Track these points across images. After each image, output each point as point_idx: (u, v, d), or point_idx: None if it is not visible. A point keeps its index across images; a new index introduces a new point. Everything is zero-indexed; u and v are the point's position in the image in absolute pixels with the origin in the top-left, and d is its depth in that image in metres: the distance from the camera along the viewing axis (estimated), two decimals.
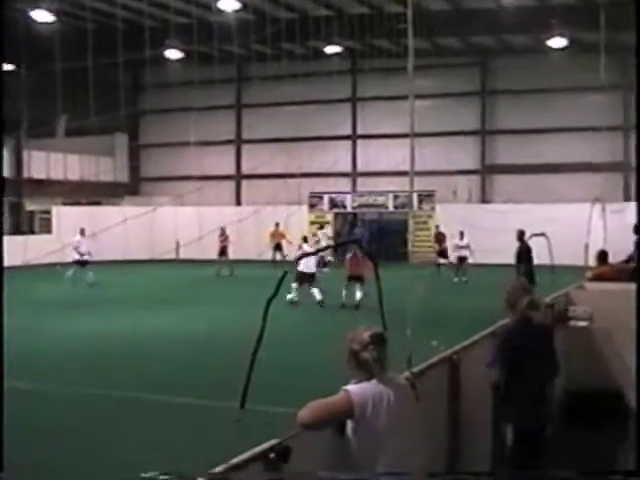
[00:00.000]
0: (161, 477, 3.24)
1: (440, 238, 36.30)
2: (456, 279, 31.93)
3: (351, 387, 4.80)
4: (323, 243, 36.87)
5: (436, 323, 15.87)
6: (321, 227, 35.70)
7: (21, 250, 30.74)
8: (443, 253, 35.10)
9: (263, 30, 33.42)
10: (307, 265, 24.03)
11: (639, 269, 6.55)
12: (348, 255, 24.46)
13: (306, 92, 45.03)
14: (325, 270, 31.60)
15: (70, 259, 30.78)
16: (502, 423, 6.99)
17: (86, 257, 30.81)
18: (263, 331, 4.19)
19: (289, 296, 23.55)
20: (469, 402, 7.07)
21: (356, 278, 23.52)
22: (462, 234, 33.03)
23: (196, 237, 32.48)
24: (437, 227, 38.39)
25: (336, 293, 23.93)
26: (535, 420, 6.80)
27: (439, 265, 34.04)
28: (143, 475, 3.23)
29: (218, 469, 3.86)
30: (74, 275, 30.35)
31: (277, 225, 39.74)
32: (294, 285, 24.04)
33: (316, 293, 24.41)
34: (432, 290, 20.60)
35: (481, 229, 34.50)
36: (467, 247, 32.71)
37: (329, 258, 35.84)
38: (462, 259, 32.73)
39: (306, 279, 24.21)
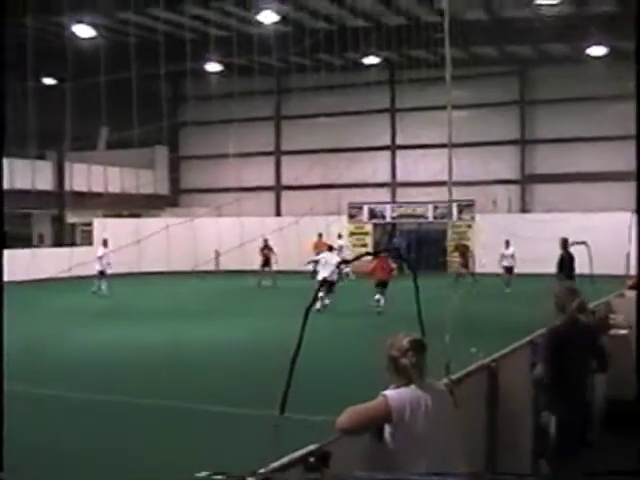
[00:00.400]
0: (214, 477, 3.33)
1: (463, 250, 36.48)
2: (507, 290, 31.56)
3: (389, 392, 4.85)
4: (347, 252, 36.92)
5: (475, 331, 15.83)
6: (339, 237, 35.39)
7: (64, 262, 31.16)
8: (465, 264, 35.48)
9: (302, 42, 33.56)
10: (330, 273, 24.96)
11: None
12: (374, 263, 25.48)
13: (345, 103, 45.16)
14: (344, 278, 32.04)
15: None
16: (545, 415, 7.06)
17: (106, 268, 31.56)
18: (302, 339, 4.25)
19: (318, 305, 23.83)
20: (507, 409, 7.09)
21: (383, 284, 24.94)
22: (508, 243, 32.74)
23: (236, 247, 32.60)
24: (461, 240, 38.62)
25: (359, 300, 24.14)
26: (579, 414, 6.85)
27: (459, 275, 33.41)
28: (197, 475, 3.32)
29: (259, 473, 3.92)
30: (99, 286, 31.31)
31: (320, 236, 39.69)
32: (321, 294, 24.36)
33: (327, 300, 25.35)
34: (471, 298, 20.61)
35: (521, 238, 34.26)
36: (513, 256, 32.38)
37: (347, 270, 35.92)
38: (509, 269, 32.39)
39: (327, 286, 24.94)
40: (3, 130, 5.21)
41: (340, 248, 36.71)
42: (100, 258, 31.30)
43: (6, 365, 12.55)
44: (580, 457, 6.81)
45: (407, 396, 4.81)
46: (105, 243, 31.85)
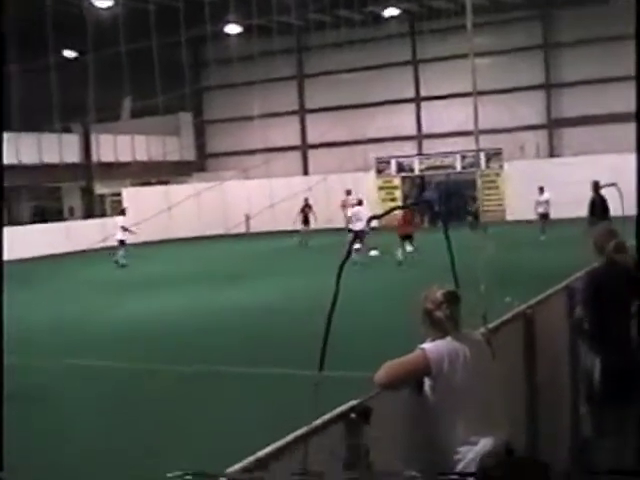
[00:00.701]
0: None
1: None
2: (543, 237, 30.97)
3: (426, 345, 4.86)
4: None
5: (510, 280, 15.83)
6: (359, 203, 34.49)
7: (98, 233, 31.37)
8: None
9: None
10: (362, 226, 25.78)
11: None
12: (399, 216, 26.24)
13: (366, 58, 44.92)
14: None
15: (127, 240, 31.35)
16: (589, 359, 7.03)
17: (126, 237, 31.14)
18: (337, 295, 4.25)
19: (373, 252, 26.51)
20: (546, 356, 7.08)
21: (406, 237, 25.90)
22: (542, 189, 32.27)
23: (266, 210, 32.65)
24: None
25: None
26: (624, 356, 6.81)
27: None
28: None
29: (301, 431, 3.95)
30: (125, 254, 30.88)
31: (348, 192, 39.32)
32: (357, 246, 24.67)
33: (373, 252, 27.20)
34: (503, 247, 20.56)
35: (551, 183, 34.00)
36: (548, 202, 31.93)
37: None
38: (544, 215, 31.94)
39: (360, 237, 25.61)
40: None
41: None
42: (122, 227, 31.14)
43: (57, 338, 12.52)
44: (628, 402, 6.76)
45: (444, 348, 4.81)
46: (123, 212, 31.84)
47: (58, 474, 8.77)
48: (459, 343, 4.87)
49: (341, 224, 37.25)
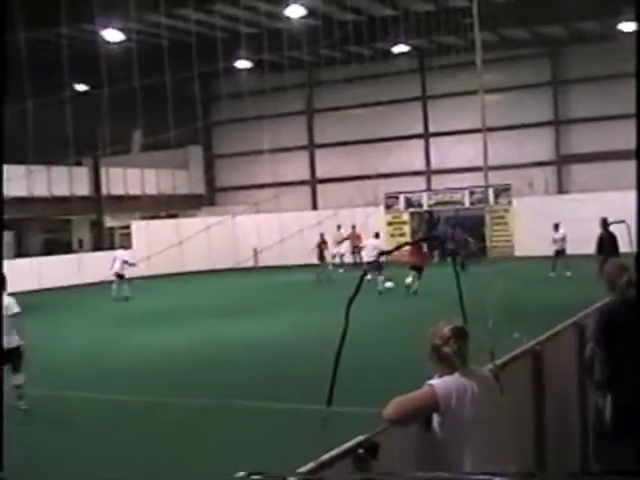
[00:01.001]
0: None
1: None
2: (552, 274, 30.75)
3: (435, 381, 4.86)
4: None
5: (517, 315, 15.77)
6: (376, 236, 34.96)
7: (107, 265, 31.45)
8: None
9: (330, 35, 33.52)
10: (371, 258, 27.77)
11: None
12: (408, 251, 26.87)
13: (376, 93, 45.13)
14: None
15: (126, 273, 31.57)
16: (600, 395, 6.99)
17: (125, 271, 31.43)
18: (346, 330, 4.27)
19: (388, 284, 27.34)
20: (554, 392, 7.06)
21: (416, 268, 26.68)
22: (557, 226, 32.10)
23: (275, 244, 32.67)
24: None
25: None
26: (636, 393, 6.77)
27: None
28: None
29: (308, 466, 3.95)
30: (118, 290, 31.16)
31: (354, 227, 39.67)
32: (381, 278, 26.91)
33: (389, 284, 27.76)
34: (512, 283, 20.52)
35: (560, 220, 33.92)
36: (564, 239, 31.67)
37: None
38: (560, 252, 31.69)
39: (375, 267, 26.68)
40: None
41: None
42: (122, 261, 31.26)
43: (67, 371, 12.56)
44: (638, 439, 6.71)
45: (452, 384, 4.82)
46: (125, 246, 32.06)
47: None
48: (467, 379, 4.87)
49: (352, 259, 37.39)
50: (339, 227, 39.93)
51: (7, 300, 13.15)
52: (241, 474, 3.35)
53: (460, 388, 4.80)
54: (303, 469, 3.91)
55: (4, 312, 12.43)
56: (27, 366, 13.24)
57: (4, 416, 4.18)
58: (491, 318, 6.39)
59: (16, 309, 13.24)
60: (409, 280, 26.51)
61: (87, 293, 33.32)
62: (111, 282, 31.17)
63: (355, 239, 39.55)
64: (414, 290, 26.26)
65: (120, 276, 31.26)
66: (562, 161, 44.50)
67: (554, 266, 31.17)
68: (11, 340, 12.92)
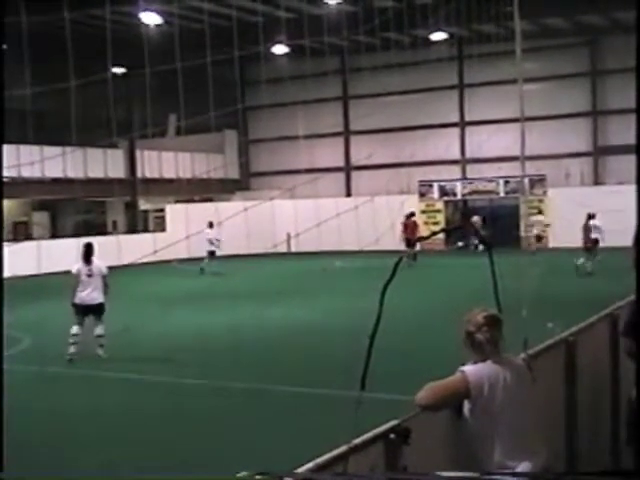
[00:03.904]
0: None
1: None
2: (588, 265, 30.39)
3: (467, 368, 4.87)
4: None
5: (552, 306, 15.75)
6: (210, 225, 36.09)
7: (145, 248, 31.66)
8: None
9: (368, 21, 33.44)
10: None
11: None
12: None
13: (412, 81, 44.97)
14: None
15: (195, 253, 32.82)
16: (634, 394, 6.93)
17: (214, 248, 33.13)
18: (380, 316, 4.28)
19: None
20: (586, 384, 7.04)
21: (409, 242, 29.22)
22: (592, 216, 31.56)
23: (310, 229, 32.67)
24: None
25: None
26: None
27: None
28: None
29: (340, 450, 3.97)
30: (207, 265, 33.01)
31: (411, 215, 38.37)
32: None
33: None
34: (547, 273, 20.44)
35: (596, 211, 33.60)
36: (597, 229, 31.22)
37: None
38: (595, 242, 31.24)
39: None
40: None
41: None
42: (207, 239, 32.84)
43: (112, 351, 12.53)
44: None
45: (485, 371, 4.83)
46: (211, 225, 32.61)
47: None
48: (499, 367, 4.88)
49: (388, 246, 37.21)
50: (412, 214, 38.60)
51: (99, 263, 16.08)
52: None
53: (492, 376, 4.82)
54: (337, 451, 3.94)
55: (95, 272, 15.80)
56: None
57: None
58: (525, 308, 6.37)
59: (105, 271, 16.01)
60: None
61: (124, 275, 33.45)
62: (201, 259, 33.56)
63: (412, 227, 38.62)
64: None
65: (212, 253, 33.19)
66: (599, 152, 44.17)
67: (591, 255, 30.53)
68: (99, 296, 15.79)
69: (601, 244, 30.74)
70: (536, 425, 5.02)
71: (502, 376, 4.84)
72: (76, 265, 16.05)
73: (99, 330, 15.70)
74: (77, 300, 15.67)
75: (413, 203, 44.06)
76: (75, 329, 15.48)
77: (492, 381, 4.79)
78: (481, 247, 33.03)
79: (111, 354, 15.76)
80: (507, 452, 4.76)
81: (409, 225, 37.16)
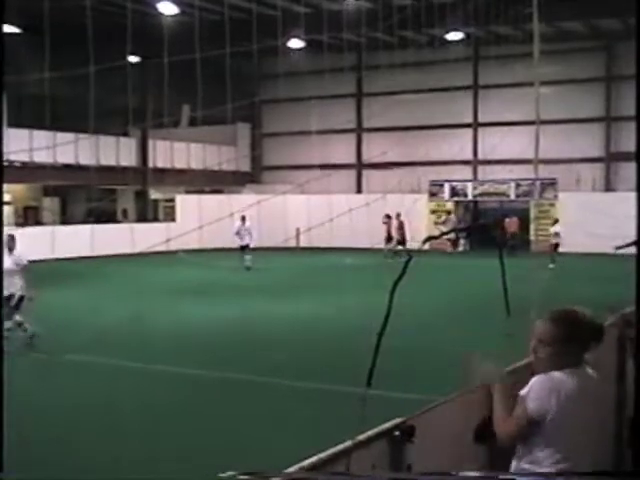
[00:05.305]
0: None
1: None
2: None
3: (528, 397, 4.56)
4: None
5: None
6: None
7: (156, 237, 31.72)
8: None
9: (385, 18, 33.39)
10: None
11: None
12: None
13: (426, 80, 44.89)
14: None
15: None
16: None
17: (247, 242, 32.83)
18: (389, 313, 4.27)
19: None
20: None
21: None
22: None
23: (320, 225, 32.76)
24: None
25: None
26: None
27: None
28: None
29: (344, 445, 3.96)
30: (240, 258, 32.46)
31: (398, 215, 39.21)
32: None
33: None
34: (555, 277, 20.42)
35: (607, 217, 33.59)
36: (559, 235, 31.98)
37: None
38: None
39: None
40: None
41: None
42: (237, 233, 32.77)
43: (116, 339, 12.63)
44: None
45: (546, 388, 4.55)
46: (243, 219, 32.62)
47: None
48: (569, 378, 4.64)
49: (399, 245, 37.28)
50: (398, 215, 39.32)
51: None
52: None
53: (559, 388, 4.58)
54: (340, 447, 3.93)
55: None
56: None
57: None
58: (534, 310, 6.35)
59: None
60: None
61: (135, 262, 33.49)
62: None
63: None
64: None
65: (243, 247, 32.80)
66: (611, 158, 44.05)
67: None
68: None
69: (602, 250, 31.06)
70: (592, 434, 4.85)
71: (572, 388, 4.59)
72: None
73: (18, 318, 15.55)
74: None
75: (423, 203, 44.05)
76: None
77: (562, 394, 4.56)
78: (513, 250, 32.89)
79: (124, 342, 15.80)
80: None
81: (399, 224, 38.53)
